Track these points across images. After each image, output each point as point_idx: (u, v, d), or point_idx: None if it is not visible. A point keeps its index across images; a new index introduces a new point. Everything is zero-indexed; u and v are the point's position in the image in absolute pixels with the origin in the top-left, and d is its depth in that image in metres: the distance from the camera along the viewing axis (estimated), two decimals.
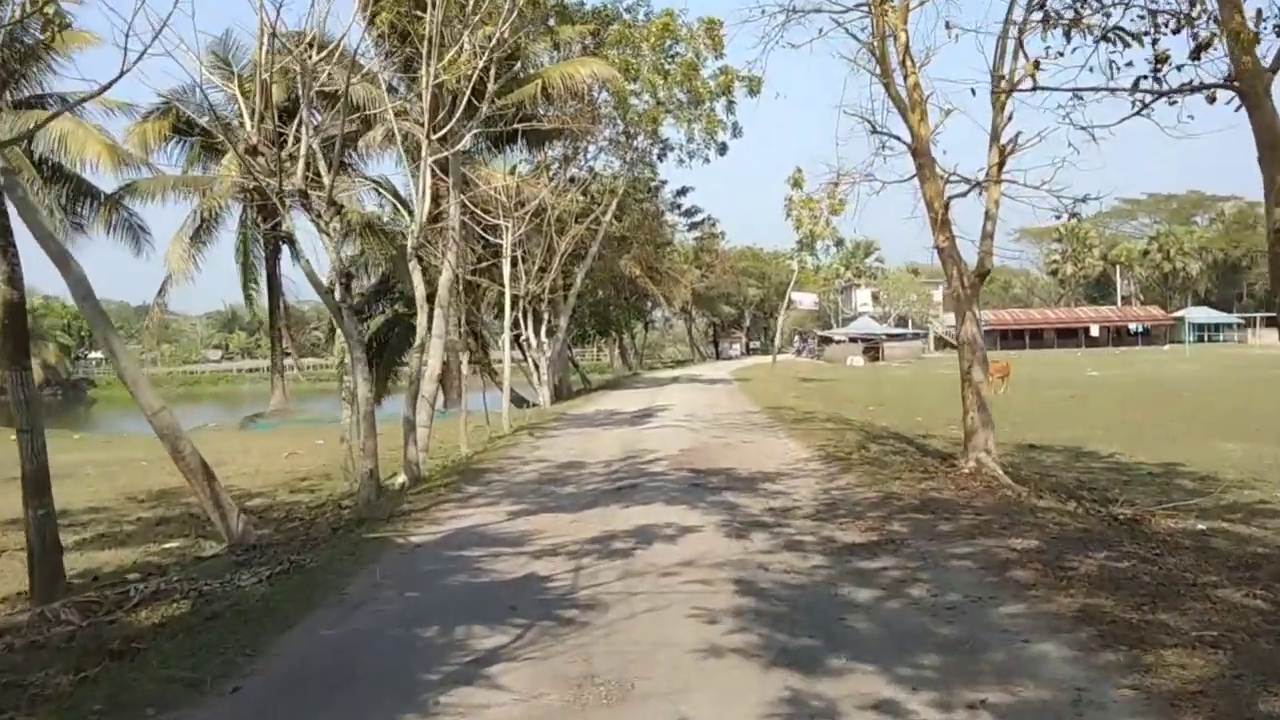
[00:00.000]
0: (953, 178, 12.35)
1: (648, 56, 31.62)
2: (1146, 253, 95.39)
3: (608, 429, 19.52)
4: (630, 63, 30.77)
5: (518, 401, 34.26)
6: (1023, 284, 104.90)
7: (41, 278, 60.07)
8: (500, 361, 25.18)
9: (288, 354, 38.13)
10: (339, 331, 38.95)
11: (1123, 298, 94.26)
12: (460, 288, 19.44)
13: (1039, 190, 11.10)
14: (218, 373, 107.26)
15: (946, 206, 12.61)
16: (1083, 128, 8.80)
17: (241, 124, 11.59)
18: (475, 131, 16.33)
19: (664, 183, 45.04)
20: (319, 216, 10.87)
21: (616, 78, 28.13)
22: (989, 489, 10.49)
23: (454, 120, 13.55)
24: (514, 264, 23.26)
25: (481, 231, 20.54)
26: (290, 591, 7.09)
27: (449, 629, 6.02)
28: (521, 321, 28.88)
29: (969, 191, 12.50)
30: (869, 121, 13.15)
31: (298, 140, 10.71)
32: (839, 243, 51.96)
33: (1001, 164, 12.09)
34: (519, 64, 20.55)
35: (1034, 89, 8.17)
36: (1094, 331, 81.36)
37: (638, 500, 10.38)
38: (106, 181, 29.42)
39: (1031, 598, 6.06)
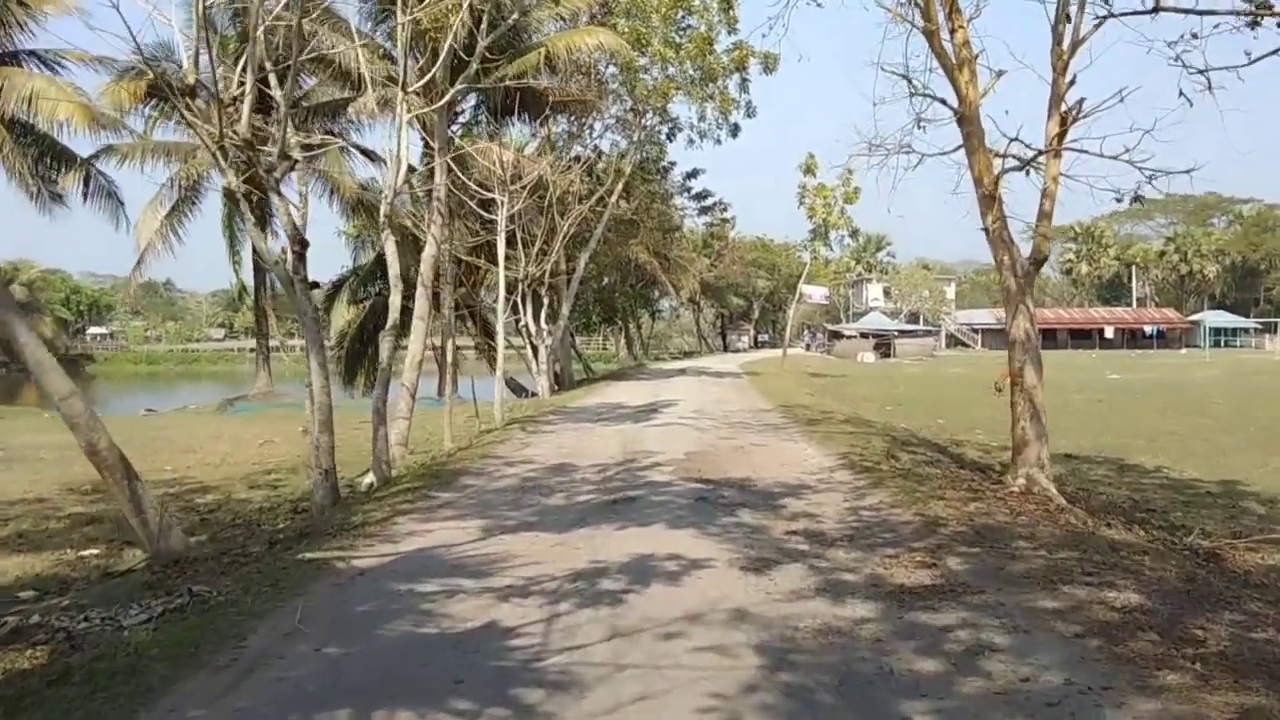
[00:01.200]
0: (1013, 144, 10.75)
1: (658, 28, 29.86)
2: (1163, 254, 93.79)
3: (608, 425, 17.87)
4: (641, 32, 28.98)
5: (517, 390, 32.66)
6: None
7: (40, 250, 58.47)
8: (506, 347, 23.49)
9: (272, 334, 36.54)
10: (333, 312, 37.12)
11: (1137, 299, 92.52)
12: (449, 265, 17.82)
13: (1118, 161, 9.42)
14: (218, 351, 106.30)
15: (997, 182, 11.04)
16: (1200, 71, 7.03)
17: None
18: (462, 89, 14.66)
19: (673, 164, 43.40)
20: (269, 172, 9.23)
21: (625, 49, 26.39)
22: (1048, 514, 8.86)
23: (435, 70, 11.84)
24: (511, 243, 21.54)
25: (475, 206, 18.82)
26: (175, 640, 5.44)
27: (365, 714, 4.39)
28: (520, 306, 27.19)
29: (1026, 166, 10.98)
30: (908, 80, 11.54)
31: (242, 84, 9.06)
32: (854, 233, 50.31)
33: (1063, 134, 10.51)
34: (514, 16, 18.74)
35: (1155, 10, 6.41)
36: (1108, 333, 79.76)
37: (635, 519, 8.70)
38: (83, 145, 27.95)
39: (1162, 691, 4.40)
